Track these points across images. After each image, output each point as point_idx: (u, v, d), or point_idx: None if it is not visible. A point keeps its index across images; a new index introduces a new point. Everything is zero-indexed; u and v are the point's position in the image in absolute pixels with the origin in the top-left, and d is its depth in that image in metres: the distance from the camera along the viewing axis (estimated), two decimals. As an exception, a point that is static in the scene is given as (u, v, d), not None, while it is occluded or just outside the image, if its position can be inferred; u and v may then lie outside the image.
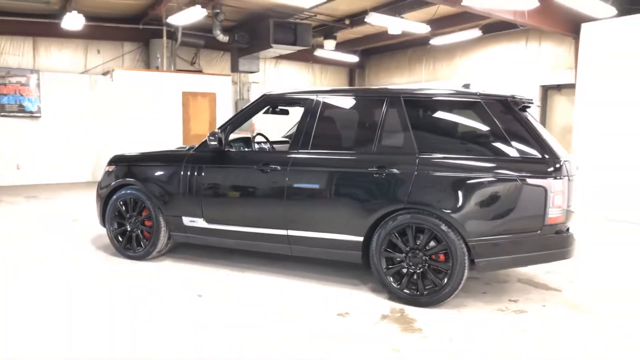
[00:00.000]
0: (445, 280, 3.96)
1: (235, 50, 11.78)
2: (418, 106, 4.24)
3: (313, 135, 4.49)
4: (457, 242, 3.89)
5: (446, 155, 4.02)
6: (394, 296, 4.14)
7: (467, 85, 4.46)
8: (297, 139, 4.56)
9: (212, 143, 4.72)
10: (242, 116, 4.93)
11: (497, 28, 10.73)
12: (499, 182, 3.84)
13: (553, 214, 3.78)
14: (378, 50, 14.34)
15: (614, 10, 7.52)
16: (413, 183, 4.01)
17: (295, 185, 4.46)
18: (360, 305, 4.09)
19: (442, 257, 4.00)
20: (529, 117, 4.06)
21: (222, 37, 10.70)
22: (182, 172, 4.97)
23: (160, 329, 3.59)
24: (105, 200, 5.41)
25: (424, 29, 10.19)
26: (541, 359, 3.25)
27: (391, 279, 4.13)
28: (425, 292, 4.03)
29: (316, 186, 4.41)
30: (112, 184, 5.33)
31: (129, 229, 5.30)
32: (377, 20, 9.64)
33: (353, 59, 13.85)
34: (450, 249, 3.91)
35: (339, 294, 4.34)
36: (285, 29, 10.06)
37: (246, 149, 5.01)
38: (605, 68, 7.92)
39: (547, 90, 10.60)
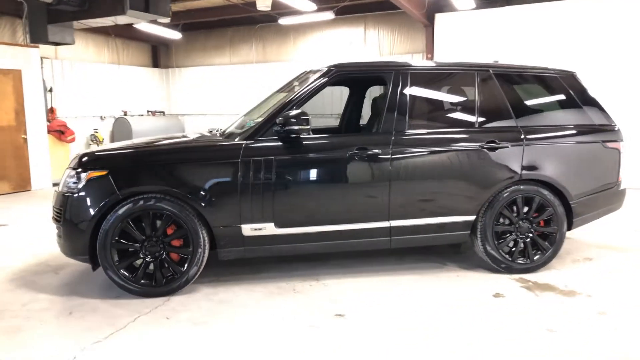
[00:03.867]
0: (549, 244, 4.25)
1: (40, 14, 9.04)
2: (509, 80, 4.31)
3: (408, 112, 4.07)
4: (560, 207, 4.22)
5: (543, 126, 4.26)
6: (507, 269, 4.20)
7: (496, 62, 4.75)
8: (390, 117, 4.04)
9: (290, 127, 3.75)
10: (308, 93, 4.02)
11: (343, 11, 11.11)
12: (590, 147, 4.32)
13: (621, 172, 4.48)
14: (192, 26, 13.10)
15: (472, 4, 8.91)
16: (523, 156, 4.13)
17: (401, 169, 3.98)
18: (493, 283, 4.01)
19: (542, 222, 4.27)
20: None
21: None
22: (240, 169, 3.79)
23: None
24: (95, 225, 3.68)
25: (264, 2, 9.73)
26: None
27: (502, 252, 4.18)
28: (535, 259, 4.24)
29: (425, 168, 4.04)
30: (111, 198, 3.65)
31: (142, 255, 3.75)
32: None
33: (174, 34, 12.33)
34: (556, 213, 4.21)
35: (456, 278, 4.15)
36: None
37: (325, 134, 4.04)
38: (459, 56, 9.32)
39: None
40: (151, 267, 3.81)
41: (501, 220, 4.18)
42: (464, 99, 4.27)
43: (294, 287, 4.01)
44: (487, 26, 9.11)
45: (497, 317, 3.41)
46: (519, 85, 4.39)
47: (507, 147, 4.11)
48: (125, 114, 12.73)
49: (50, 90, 11.00)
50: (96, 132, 12.03)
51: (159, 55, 14.07)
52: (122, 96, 12.87)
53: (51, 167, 9.57)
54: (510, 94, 4.27)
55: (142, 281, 3.78)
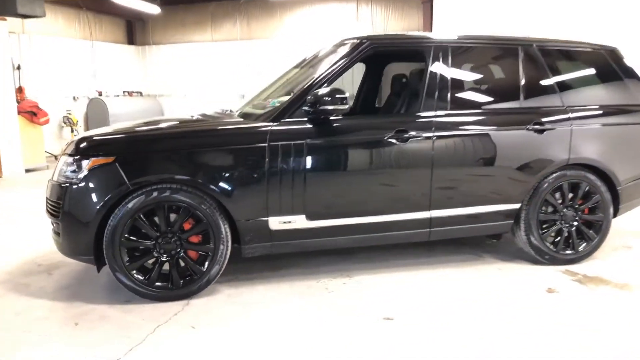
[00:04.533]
0: (594, 233, 3.97)
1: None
2: (553, 57, 3.95)
3: (450, 91, 3.67)
4: (607, 193, 3.93)
5: (589, 106, 3.94)
6: (551, 260, 3.90)
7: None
8: (431, 96, 3.63)
9: (324, 107, 3.30)
10: (338, 69, 3.55)
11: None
12: (637, 128, 4.02)
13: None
14: (170, 0, 12.30)
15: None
16: (571, 139, 3.81)
17: (445, 153, 3.59)
18: (541, 277, 3.70)
19: (586, 210, 3.98)
20: None
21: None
22: (267, 154, 3.32)
23: None
24: (101, 220, 3.17)
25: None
26: None
27: (546, 242, 3.87)
28: (580, 249, 3.95)
29: (469, 152, 3.67)
30: (120, 189, 3.14)
31: (157, 254, 3.28)
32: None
33: (151, 8, 11.53)
34: (603, 199, 3.92)
35: (499, 272, 3.82)
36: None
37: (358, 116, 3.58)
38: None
39: None
40: (166, 267, 3.34)
41: (544, 208, 3.87)
42: (508, 76, 3.89)
43: (326, 285, 3.60)
44: (493, 1, 8.74)
45: (559, 317, 3.09)
46: (563, 61, 4.04)
47: (555, 128, 3.78)
48: (100, 95, 11.93)
49: (19, 68, 10.13)
50: (69, 114, 11.21)
51: (134, 31, 13.23)
52: (95, 75, 12.05)
53: (23, 152, 8.81)
54: (554, 71, 3.92)
55: (157, 284, 3.31)
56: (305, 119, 3.40)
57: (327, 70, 3.53)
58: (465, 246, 4.40)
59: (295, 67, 4.39)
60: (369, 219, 3.57)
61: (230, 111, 4.15)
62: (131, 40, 13.25)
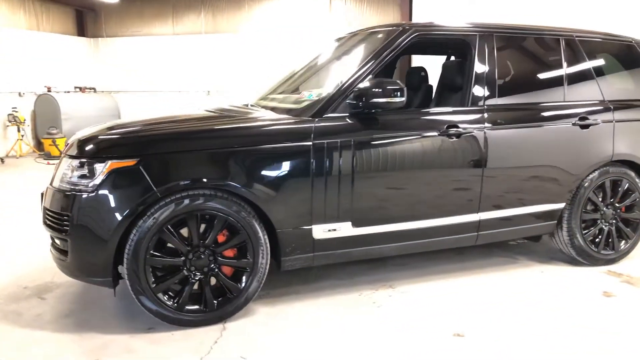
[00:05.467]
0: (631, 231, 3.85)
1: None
2: (592, 49, 3.77)
3: (498, 83, 3.41)
4: None
5: (629, 100, 3.81)
6: (591, 260, 3.74)
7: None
8: (480, 88, 3.35)
9: (375, 101, 2.94)
10: (383, 59, 3.19)
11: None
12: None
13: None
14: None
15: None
16: (614, 135, 3.66)
17: (495, 151, 3.33)
18: (590, 280, 3.53)
19: (623, 209, 3.85)
20: None
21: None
22: (312, 154, 2.92)
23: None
24: (123, 233, 2.66)
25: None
26: None
27: (588, 242, 3.71)
28: (620, 248, 3.81)
29: (519, 149, 3.42)
30: (147, 197, 2.64)
31: (187, 272, 2.80)
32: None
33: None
34: (642, 198, 3.81)
35: (543, 275, 3.62)
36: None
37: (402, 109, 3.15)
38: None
39: None
40: (193, 287, 2.86)
41: (586, 207, 3.70)
42: (551, 67, 3.67)
43: (372, 299, 3.25)
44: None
45: (634, 322, 2.91)
46: (601, 53, 3.88)
47: (599, 123, 3.62)
48: (49, 90, 10.89)
49: (-44, 60, 9.05)
50: (15, 112, 10.14)
51: (85, 22, 12.22)
52: (43, 69, 11.00)
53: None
54: (594, 63, 3.76)
55: (188, 307, 2.83)
56: (348, 113, 3.02)
57: (370, 60, 3.17)
58: (495, 249, 4.17)
59: (314, 59, 4.00)
60: (418, 224, 3.25)
61: (252, 105, 3.70)
62: (82, 31, 12.24)
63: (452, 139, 3.22)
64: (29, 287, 3.45)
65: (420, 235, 3.29)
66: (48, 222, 2.84)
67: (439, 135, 3.19)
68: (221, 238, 2.87)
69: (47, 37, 11.20)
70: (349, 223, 3.07)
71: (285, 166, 2.89)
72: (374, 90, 2.93)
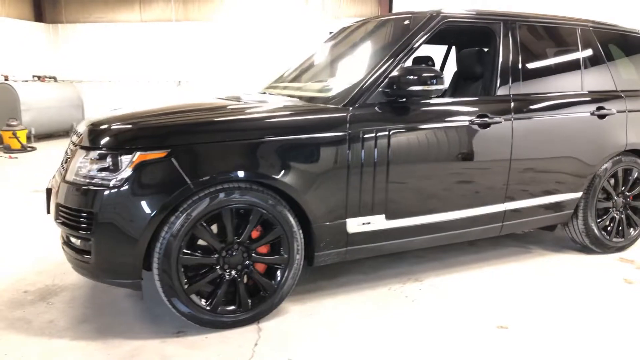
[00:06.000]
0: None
1: None
2: (605, 39, 3.81)
3: (522, 73, 3.38)
4: None
5: (635, 89, 3.87)
6: (603, 248, 3.81)
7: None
8: (505, 78, 3.31)
9: (412, 89, 2.83)
10: (414, 46, 3.08)
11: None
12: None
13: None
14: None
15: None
16: (627, 125, 3.72)
17: (522, 140, 3.30)
18: (606, 268, 3.59)
19: (631, 197, 3.93)
20: None
21: None
22: (348, 144, 2.79)
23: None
24: (155, 230, 2.46)
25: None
26: None
27: (602, 230, 3.78)
28: (629, 236, 3.90)
29: (543, 139, 3.41)
30: (181, 191, 2.43)
31: (221, 271, 2.62)
32: None
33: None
34: (657, 187, 3.90)
35: (560, 264, 3.64)
36: None
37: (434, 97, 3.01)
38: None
39: None
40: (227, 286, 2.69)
41: (600, 196, 3.76)
42: (569, 57, 3.69)
43: (402, 292, 3.17)
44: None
45: (661, 309, 2.97)
46: (613, 44, 3.92)
47: (614, 113, 3.67)
48: (6, 79, 10.19)
49: None
50: (-30, 102, 9.44)
51: (43, 6, 11.49)
52: (-1, 56, 10.29)
53: None
54: (607, 53, 3.80)
55: (222, 308, 2.65)
56: (380, 102, 2.90)
57: (401, 47, 3.05)
58: (504, 239, 4.17)
59: (323, 47, 3.85)
60: (447, 216, 3.19)
61: (269, 93, 3.52)
62: (40, 17, 11.51)
63: (482, 128, 3.17)
64: (29, 292, 3.16)
65: (449, 227, 3.23)
66: (64, 220, 2.58)
67: (470, 124, 3.13)
68: (254, 234, 2.71)
69: (2, 21, 10.46)
70: (383, 216, 2.97)
71: (322, 156, 2.74)
72: (410, 77, 2.82)
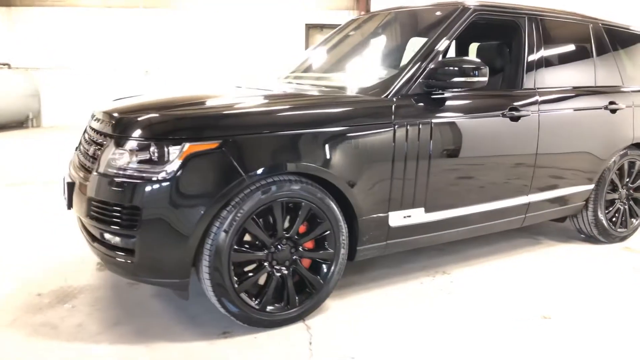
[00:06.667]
0: None
1: None
2: (613, 37, 3.92)
3: (545, 66, 3.44)
4: None
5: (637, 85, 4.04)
6: (608, 238, 3.96)
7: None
8: (531, 71, 3.35)
9: (455, 80, 2.80)
10: (451, 37, 3.03)
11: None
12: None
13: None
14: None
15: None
16: (634, 119, 3.88)
17: (546, 133, 3.36)
18: (614, 257, 3.74)
19: (633, 189, 4.11)
20: None
21: None
22: (393, 137, 2.73)
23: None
24: (207, 226, 2.32)
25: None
26: None
27: (609, 221, 3.92)
28: (632, 226, 4.07)
29: (565, 132, 3.49)
30: (237, 184, 2.31)
31: (270, 267, 2.51)
32: None
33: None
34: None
35: (571, 254, 3.76)
36: None
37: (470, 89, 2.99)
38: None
39: (309, 29, 10.63)
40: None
41: (609, 187, 3.91)
42: (584, 53, 3.77)
43: (435, 285, 3.16)
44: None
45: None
46: (617, 41, 4.05)
47: (623, 108, 3.81)
48: (-45, 65, 9.43)
49: None
50: None
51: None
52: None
53: None
54: (615, 50, 3.93)
55: (271, 307, 2.55)
56: (419, 93, 2.86)
57: (438, 38, 3.01)
58: (513, 231, 4.26)
59: (341, 37, 3.78)
60: (480, 208, 3.20)
61: (297, 83, 3.41)
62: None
63: (513, 121, 3.20)
64: (43, 294, 2.91)
65: (480, 219, 3.25)
66: (98, 216, 2.39)
67: (502, 117, 3.16)
68: (301, 228, 2.61)
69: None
70: (422, 209, 2.95)
71: (369, 148, 2.68)
72: (452, 68, 2.80)
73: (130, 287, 3.01)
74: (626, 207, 4.02)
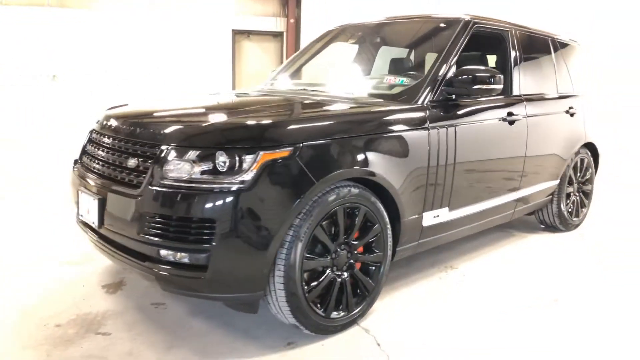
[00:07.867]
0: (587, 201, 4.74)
1: None
2: (563, 49, 4.44)
3: (525, 75, 3.81)
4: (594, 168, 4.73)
5: (583, 93, 4.61)
6: (566, 227, 4.48)
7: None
8: (517, 79, 3.69)
9: (478, 87, 2.99)
10: (458, 49, 3.25)
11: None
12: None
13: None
14: None
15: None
16: (585, 122, 4.43)
17: (532, 135, 3.73)
18: (580, 244, 4.24)
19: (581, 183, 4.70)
20: None
21: None
22: (428, 141, 2.87)
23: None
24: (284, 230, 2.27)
25: None
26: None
27: (567, 211, 4.44)
28: (581, 216, 4.64)
29: (543, 133, 3.89)
30: (310, 192, 2.30)
31: (332, 272, 2.52)
32: None
33: None
34: (593, 172, 4.70)
35: (550, 242, 4.21)
36: None
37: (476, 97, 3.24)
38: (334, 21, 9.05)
39: (236, 35, 10.30)
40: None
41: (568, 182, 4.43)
42: (549, 63, 4.23)
43: (452, 280, 3.36)
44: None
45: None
46: (566, 53, 4.60)
47: (578, 112, 4.34)
48: None
49: None
50: None
51: None
52: None
53: None
54: (566, 60, 4.47)
55: (335, 313, 2.54)
56: (440, 100, 3.04)
57: (450, 49, 3.21)
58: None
59: (349, 44, 3.87)
60: (486, 205, 3.47)
61: (319, 90, 3.41)
62: None
63: (511, 125, 3.52)
64: (62, 325, 2.59)
65: (487, 215, 3.53)
66: (161, 233, 2.21)
67: (500, 120, 3.46)
68: (357, 233, 2.65)
69: None
70: (447, 208, 3.13)
71: (411, 152, 2.79)
72: (471, 76, 3.01)
73: (157, 307, 2.81)
74: (577, 198, 4.59)
